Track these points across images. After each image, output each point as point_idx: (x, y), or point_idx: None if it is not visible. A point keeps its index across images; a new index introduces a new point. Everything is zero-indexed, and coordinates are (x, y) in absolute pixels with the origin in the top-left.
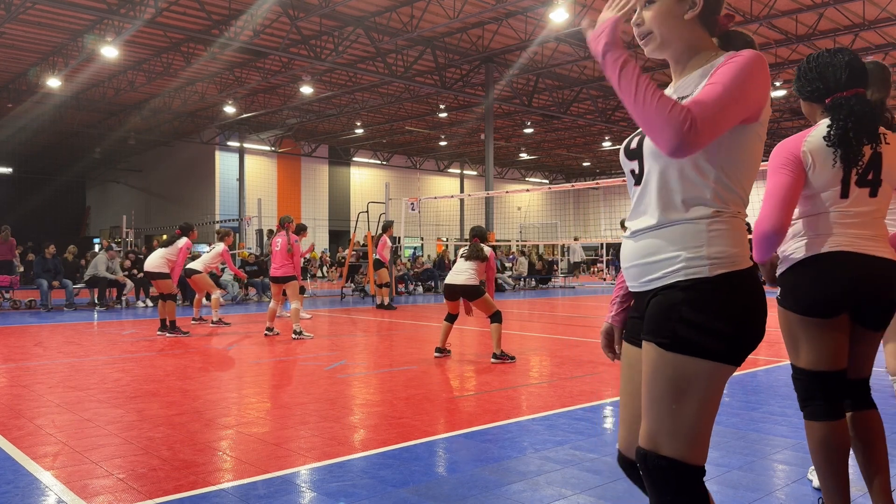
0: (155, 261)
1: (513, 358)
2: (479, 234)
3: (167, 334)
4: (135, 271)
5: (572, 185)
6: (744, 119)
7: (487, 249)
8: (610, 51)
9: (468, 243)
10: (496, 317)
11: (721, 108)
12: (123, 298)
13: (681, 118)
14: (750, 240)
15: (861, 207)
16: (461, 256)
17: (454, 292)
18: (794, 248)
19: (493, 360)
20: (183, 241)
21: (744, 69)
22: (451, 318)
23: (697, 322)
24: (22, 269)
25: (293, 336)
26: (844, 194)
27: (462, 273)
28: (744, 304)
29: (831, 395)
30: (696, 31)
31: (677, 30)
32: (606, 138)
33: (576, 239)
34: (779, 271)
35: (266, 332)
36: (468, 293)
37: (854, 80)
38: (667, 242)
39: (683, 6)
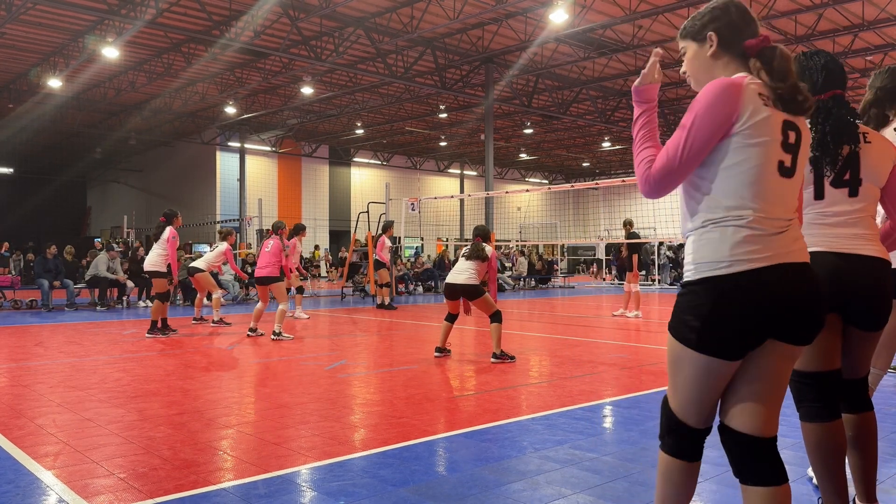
0: (152, 258)
1: (512, 358)
2: (482, 234)
3: (159, 335)
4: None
5: (572, 186)
6: (719, 139)
7: (489, 249)
8: (635, 104)
9: (471, 242)
10: (496, 316)
11: (672, 160)
12: (124, 298)
13: (641, 176)
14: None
15: (840, 207)
16: (462, 256)
17: (454, 292)
18: None
19: (492, 359)
20: (167, 231)
21: (696, 109)
22: (452, 318)
23: (680, 314)
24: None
25: (272, 336)
26: (819, 195)
27: (463, 272)
28: (711, 303)
29: (825, 396)
30: (722, 61)
31: (706, 67)
32: (606, 139)
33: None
34: None
35: (249, 332)
36: (468, 293)
37: (831, 83)
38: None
39: (705, 46)
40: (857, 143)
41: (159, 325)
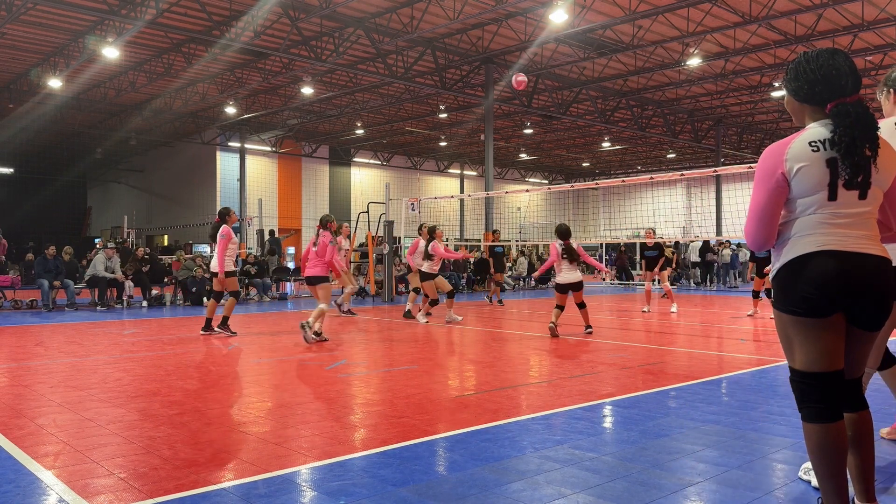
0: (214, 261)
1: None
2: (564, 234)
3: (226, 332)
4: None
5: (572, 186)
6: None
7: (575, 244)
8: None
9: (564, 244)
10: (584, 303)
11: None
12: (124, 298)
13: None
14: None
15: (851, 209)
16: (563, 258)
17: (565, 288)
18: (783, 249)
19: (587, 331)
20: (220, 229)
21: None
22: (561, 308)
23: None
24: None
25: (313, 335)
26: (832, 197)
27: (572, 272)
28: None
29: (828, 397)
30: None
31: None
32: (606, 139)
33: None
34: (771, 273)
35: (315, 335)
36: (576, 287)
37: (857, 86)
38: None
39: None
40: (878, 147)
41: (208, 320)
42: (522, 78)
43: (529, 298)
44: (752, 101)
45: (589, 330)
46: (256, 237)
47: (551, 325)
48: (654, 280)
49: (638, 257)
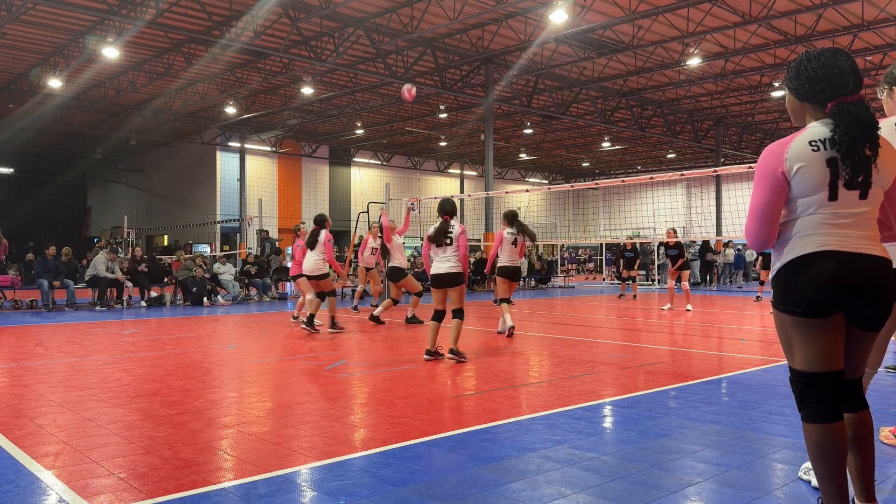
0: (310, 264)
1: (464, 358)
2: (445, 207)
3: (329, 330)
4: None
5: (571, 186)
6: None
7: (458, 227)
8: None
9: (442, 220)
10: (460, 313)
11: None
12: (124, 298)
13: None
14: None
15: (852, 209)
16: (431, 241)
17: (440, 282)
18: (784, 249)
19: (449, 355)
20: (322, 234)
21: None
22: (440, 317)
23: None
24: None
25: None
26: (833, 197)
27: (447, 259)
28: None
29: (828, 397)
30: None
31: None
32: (606, 139)
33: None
34: (771, 273)
35: (292, 318)
36: (452, 281)
37: (859, 85)
38: None
39: None
40: (878, 147)
41: (331, 321)
42: (411, 92)
43: (529, 298)
44: (752, 101)
45: (452, 355)
46: (256, 237)
47: (427, 354)
48: (676, 280)
49: (622, 257)
